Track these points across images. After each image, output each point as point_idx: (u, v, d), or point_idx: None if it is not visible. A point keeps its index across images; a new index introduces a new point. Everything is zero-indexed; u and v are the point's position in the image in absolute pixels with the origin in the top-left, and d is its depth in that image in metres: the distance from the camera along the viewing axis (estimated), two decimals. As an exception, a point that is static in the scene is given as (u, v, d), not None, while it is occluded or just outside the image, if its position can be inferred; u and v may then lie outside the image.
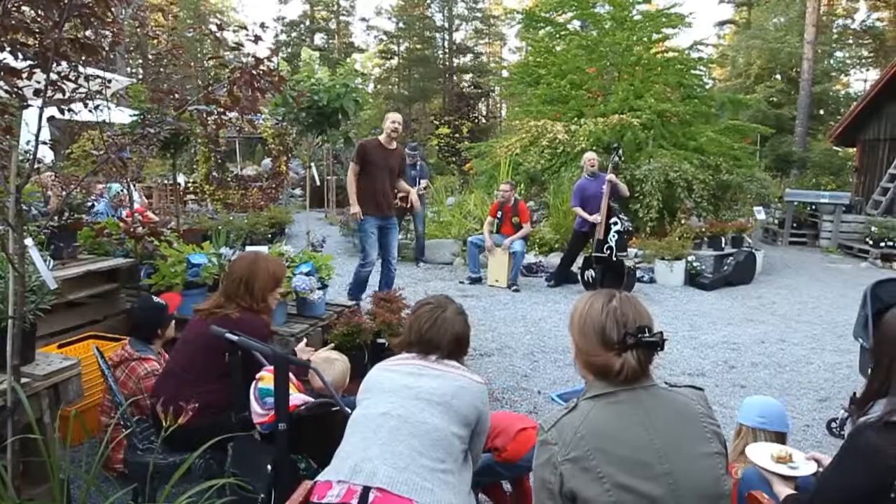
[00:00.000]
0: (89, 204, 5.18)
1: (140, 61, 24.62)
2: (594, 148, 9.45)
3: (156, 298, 3.20)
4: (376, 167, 5.47)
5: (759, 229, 12.39)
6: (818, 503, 1.55)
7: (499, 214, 7.58)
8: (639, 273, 7.74)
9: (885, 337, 1.53)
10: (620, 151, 7.42)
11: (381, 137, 5.55)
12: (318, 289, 4.02)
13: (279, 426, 2.00)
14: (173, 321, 3.16)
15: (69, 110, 3.32)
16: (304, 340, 3.01)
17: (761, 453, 2.08)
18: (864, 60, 28.44)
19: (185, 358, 2.54)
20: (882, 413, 1.44)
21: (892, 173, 12.64)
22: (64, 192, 4.43)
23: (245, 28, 3.80)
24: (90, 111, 3.52)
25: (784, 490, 1.87)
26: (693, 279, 7.92)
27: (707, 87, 13.79)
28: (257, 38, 3.44)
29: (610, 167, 7.07)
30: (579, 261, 7.59)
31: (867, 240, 10.76)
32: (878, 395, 1.49)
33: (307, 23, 36.64)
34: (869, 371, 1.58)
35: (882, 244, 10.32)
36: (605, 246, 6.94)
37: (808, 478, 1.93)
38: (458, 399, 1.85)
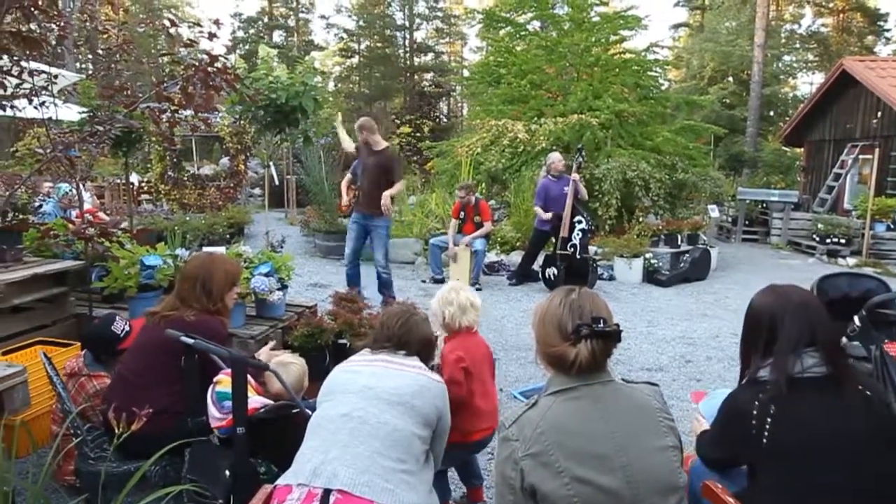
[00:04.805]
0: (36, 204, 4.98)
1: (90, 56, 23.81)
2: (555, 147, 9.57)
3: (121, 324, 2.91)
4: (360, 166, 6.04)
5: (713, 227, 12.76)
6: (702, 446, 1.94)
7: (461, 215, 7.60)
8: (599, 270, 7.88)
9: (752, 315, 1.85)
10: (584, 152, 7.56)
11: None
12: (278, 290, 3.95)
13: (237, 430, 1.96)
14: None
15: (12, 106, 3.19)
16: (273, 343, 2.95)
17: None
18: (810, 64, 29.59)
19: (139, 362, 2.46)
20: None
21: (836, 172, 13.19)
22: (8, 192, 4.24)
23: (199, 24, 3.72)
24: (35, 108, 3.39)
25: (701, 426, 2.16)
26: (651, 276, 8.10)
27: (663, 88, 14.13)
28: (212, 35, 3.37)
29: (574, 167, 7.19)
30: (540, 259, 7.68)
31: (814, 236, 11.20)
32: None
33: (265, 19, 36.00)
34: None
35: (828, 241, 10.75)
36: (569, 244, 7.04)
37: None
38: (419, 399, 1.86)
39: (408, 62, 35.16)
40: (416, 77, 35.05)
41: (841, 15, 29.87)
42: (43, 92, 3.45)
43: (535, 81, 11.93)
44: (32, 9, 2.51)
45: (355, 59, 36.29)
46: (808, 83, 31.76)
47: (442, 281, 7.66)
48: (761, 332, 1.75)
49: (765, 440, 1.60)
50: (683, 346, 5.45)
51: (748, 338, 1.83)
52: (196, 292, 2.50)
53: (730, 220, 13.47)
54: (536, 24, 13.87)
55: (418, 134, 24.83)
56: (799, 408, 1.61)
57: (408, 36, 35.52)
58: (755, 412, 1.63)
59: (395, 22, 35.49)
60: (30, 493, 2.06)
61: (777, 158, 19.47)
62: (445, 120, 33.06)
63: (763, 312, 1.78)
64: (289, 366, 2.59)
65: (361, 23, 34.84)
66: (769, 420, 1.60)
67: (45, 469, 1.95)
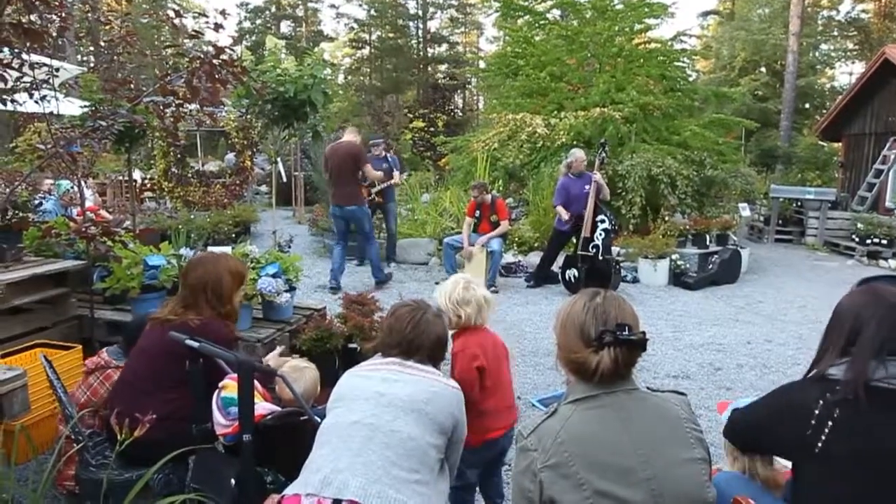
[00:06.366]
0: (36, 202, 5.06)
1: (91, 49, 24.12)
2: (576, 143, 9.53)
3: None
4: None
5: (744, 226, 12.62)
6: (735, 422, 1.88)
7: (476, 213, 7.59)
8: (622, 272, 7.83)
9: (839, 311, 1.75)
10: (607, 148, 7.51)
11: None
12: (286, 291, 3.98)
13: (244, 437, 1.97)
14: None
15: (12, 101, 3.25)
16: (282, 348, 2.96)
17: None
18: (849, 53, 29.19)
19: (142, 366, 2.49)
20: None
21: (877, 168, 12.99)
22: (7, 190, 4.31)
23: (205, 15, 3.76)
24: (36, 102, 3.44)
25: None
26: (677, 278, 8.04)
27: (690, 79, 14.00)
28: (218, 27, 3.40)
29: (597, 163, 7.16)
30: (560, 260, 7.65)
31: (853, 237, 11.03)
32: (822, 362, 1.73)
33: (273, 9, 36.26)
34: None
35: (868, 241, 10.59)
36: (591, 244, 7.01)
37: None
38: (433, 406, 1.85)
39: (421, 53, 35.23)
40: (429, 69, 35.09)
41: (883, 0, 29.40)
42: (44, 85, 3.51)
43: (555, 73, 11.88)
44: (34, 0, 2.55)
45: (366, 51, 36.43)
46: (846, 73, 31.35)
47: (456, 283, 7.64)
48: (843, 330, 1.68)
49: (820, 444, 1.55)
50: (712, 353, 5.41)
51: (829, 334, 1.76)
52: (206, 298, 2.51)
53: (762, 219, 13.31)
54: (556, 13, 13.84)
55: (432, 128, 24.88)
56: (867, 418, 1.54)
57: (421, 26, 35.59)
58: (817, 412, 1.57)
59: (408, 11, 35.57)
60: (29, 500, 2.09)
61: (813, 154, 19.19)
62: (460, 114, 33.06)
63: (850, 309, 1.70)
64: (303, 370, 2.60)
65: (373, 12, 34.96)
66: (830, 424, 1.55)
67: (46, 476, 1.98)
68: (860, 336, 1.62)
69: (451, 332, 2.54)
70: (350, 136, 7.28)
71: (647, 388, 1.59)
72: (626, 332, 1.47)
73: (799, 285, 8.52)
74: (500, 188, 10.16)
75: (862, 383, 1.54)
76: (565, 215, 7.25)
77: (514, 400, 2.71)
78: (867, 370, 1.56)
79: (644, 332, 1.50)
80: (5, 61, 2.59)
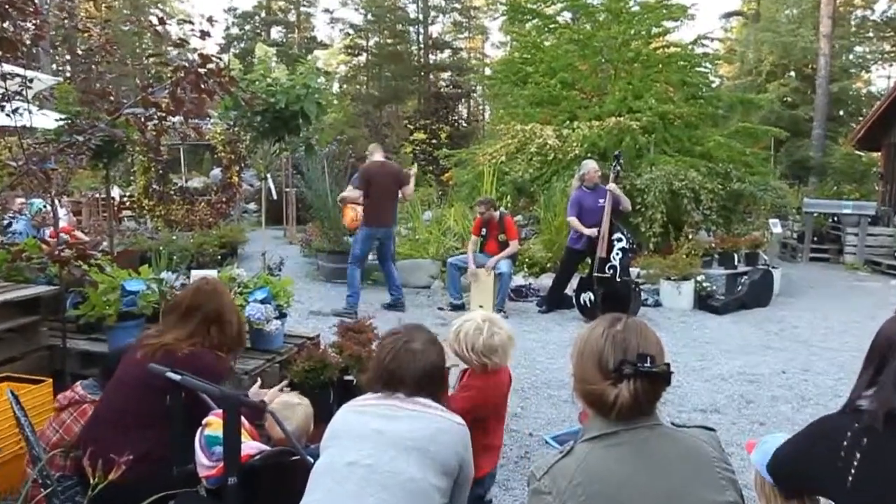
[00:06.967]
0: (5, 222, 5.09)
1: (68, 58, 24.45)
2: (590, 155, 9.57)
3: None
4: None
5: (775, 244, 12.59)
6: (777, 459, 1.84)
7: (483, 231, 7.60)
8: (642, 295, 7.81)
9: (875, 339, 1.77)
10: (622, 160, 7.53)
11: None
12: (276, 318, 3.98)
13: (229, 480, 1.96)
14: None
15: (-18, 114, 3.28)
16: (259, 381, 2.94)
17: None
18: (886, 55, 29.29)
19: (118, 401, 2.48)
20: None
21: (920, 180, 12.99)
22: (-24, 210, 4.34)
23: (190, 21, 3.81)
24: (7, 115, 3.48)
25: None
26: (703, 301, 8.01)
27: (714, 85, 14.09)
28: (204, 34, 3.44)
29: (611, 176, 7.17)
30: (574, 282, 7.63)
31: (896, 255, 11.01)
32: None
33: (262, 14, 36.70)
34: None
35: (913, 260, 10.56)
36: (608, 265, 6.99)
37: None
38: (437, 444, 1.84)
39: (422, 60, 35.53)
40: (431, 76, 35.39)
41: (921, -1, 29.59)
42: (16, 97, 3.55)
43: (567, 80, 11.97)
44: (7, 7, 2.60)
45: (363, 58, 36.76)
46: (884, 77, 31.43)
47: (461, 307, 7.61)
48: (875, 358, 1.73)
49: (851, 476, 1.56)
50: (743, 384, 5.36)
51: (865, 362, 1.81)
52: (212, 330, 2.55)
53: (795, 236, 13.30)
54: (567, 16, 13.99)
55: (434, 140, 25.07)
56: (890, 448, 1.55)
57: (422, 31, 35.95)
58: (846, 443, 1.59)
59: (408, 15, 35.95)
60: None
61: (849, 164, 19.22)
62: (465, 124, 33.31)
63: (885, 336, 1.74)
64: (294, 407, 2.59)
65: (370, 17, 35.34)
66: (859, 455, 1.56)
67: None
68: (887, 364, 1.65)
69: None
70: (380, 154, 7.75)
71: (672, 423, 1.57)
72: (648, 364, 1.45)
73: (838, 308, 8.47)
74: (509, 205, 10.18)
75: (883, 413, 1.56)
76: (585, 230, 7.18)
77: (501, 440, 2.75)
78: (891, 399, 1.58)
79: (668, 364, 1.48)
80: (-25, 72, 2.63)
